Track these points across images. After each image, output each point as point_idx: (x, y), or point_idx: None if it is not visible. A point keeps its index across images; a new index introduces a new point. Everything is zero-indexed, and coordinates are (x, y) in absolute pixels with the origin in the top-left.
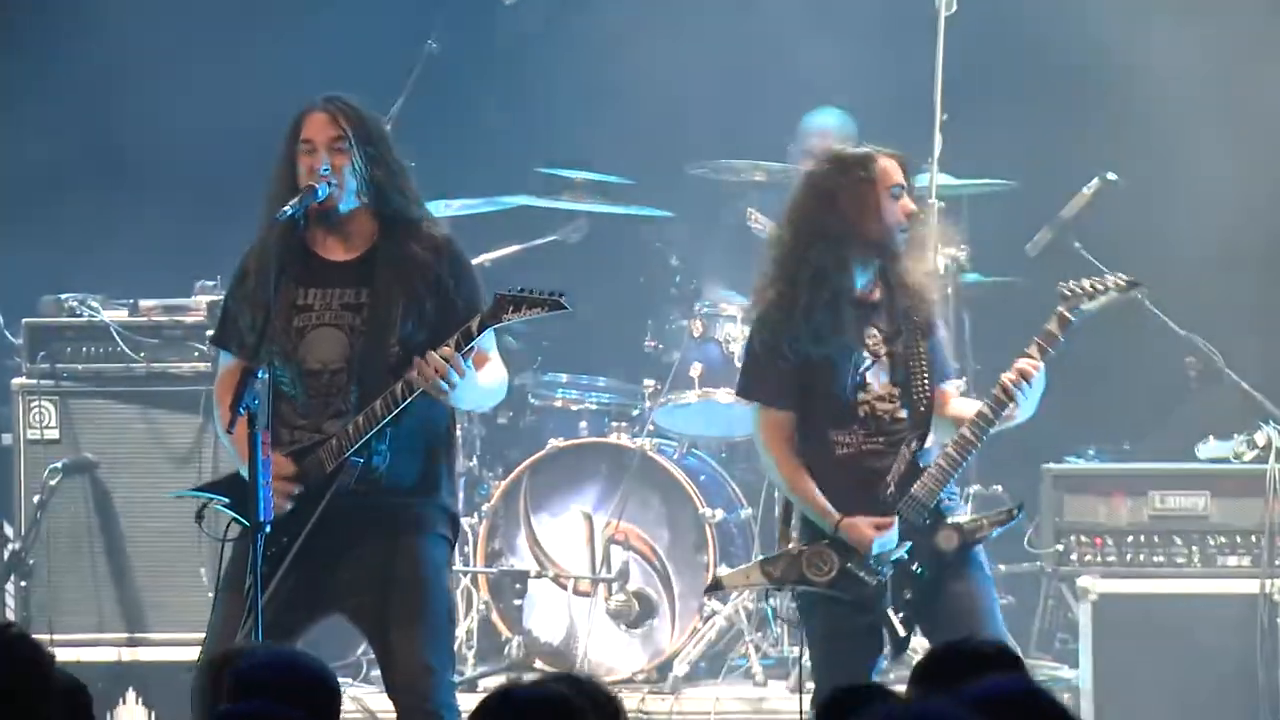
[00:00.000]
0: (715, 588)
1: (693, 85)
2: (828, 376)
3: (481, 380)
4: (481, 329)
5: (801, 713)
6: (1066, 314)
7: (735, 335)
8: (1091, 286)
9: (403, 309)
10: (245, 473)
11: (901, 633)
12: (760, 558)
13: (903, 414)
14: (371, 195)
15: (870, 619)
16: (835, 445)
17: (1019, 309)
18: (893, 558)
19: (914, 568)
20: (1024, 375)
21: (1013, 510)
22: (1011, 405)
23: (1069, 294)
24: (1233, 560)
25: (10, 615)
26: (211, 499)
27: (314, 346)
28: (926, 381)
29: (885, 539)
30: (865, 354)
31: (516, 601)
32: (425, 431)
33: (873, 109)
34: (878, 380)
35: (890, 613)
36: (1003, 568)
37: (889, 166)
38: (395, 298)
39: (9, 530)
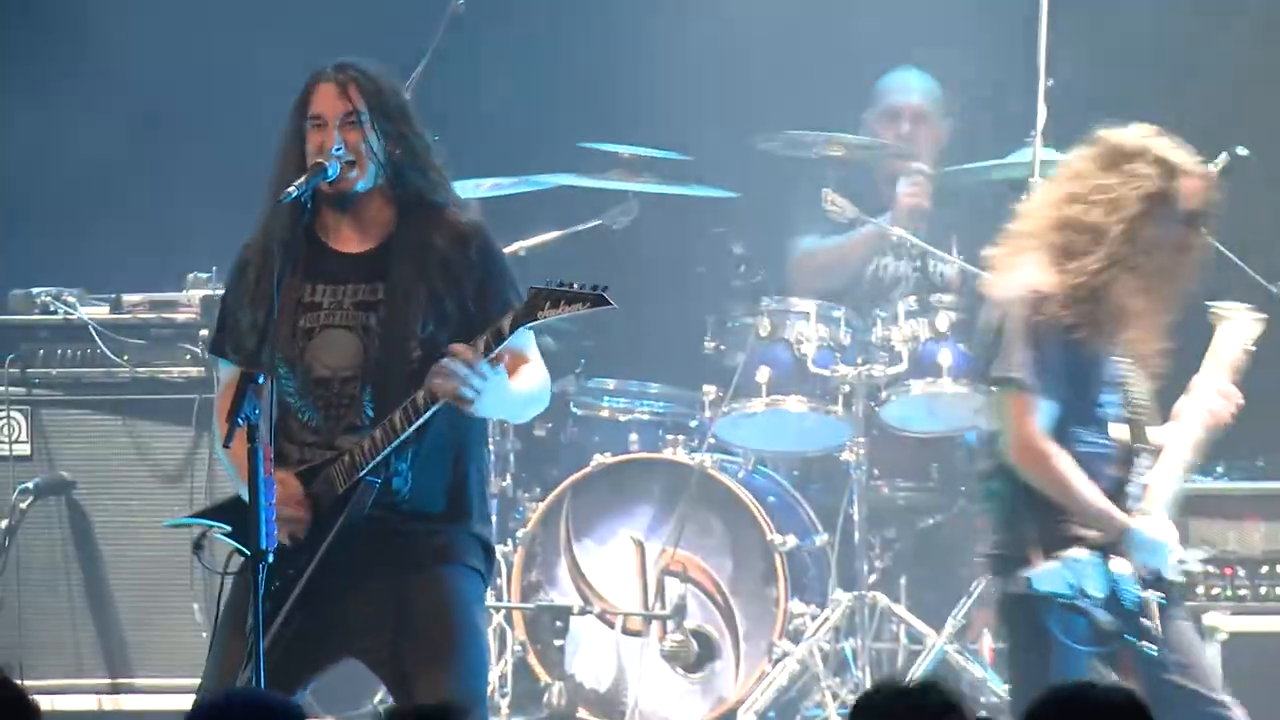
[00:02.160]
0: (1029, 586)
1: (758, 46)
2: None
3: (518, 386)
4: (514, 328)
5: None
6: None
7: (807, 335)
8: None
9: (424, 307)
10: (244, 494)
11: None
12: None
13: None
14: (389, 176)
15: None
16: (1081, 445)
17: None
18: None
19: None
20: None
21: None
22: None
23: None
24: None
25: None
26: (211, 527)
27: (322, 350)
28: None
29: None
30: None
31: (557, 642)
32: (452, 447)
33: (963, 72)
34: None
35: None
36: None
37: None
38: (416, 294)
39: None
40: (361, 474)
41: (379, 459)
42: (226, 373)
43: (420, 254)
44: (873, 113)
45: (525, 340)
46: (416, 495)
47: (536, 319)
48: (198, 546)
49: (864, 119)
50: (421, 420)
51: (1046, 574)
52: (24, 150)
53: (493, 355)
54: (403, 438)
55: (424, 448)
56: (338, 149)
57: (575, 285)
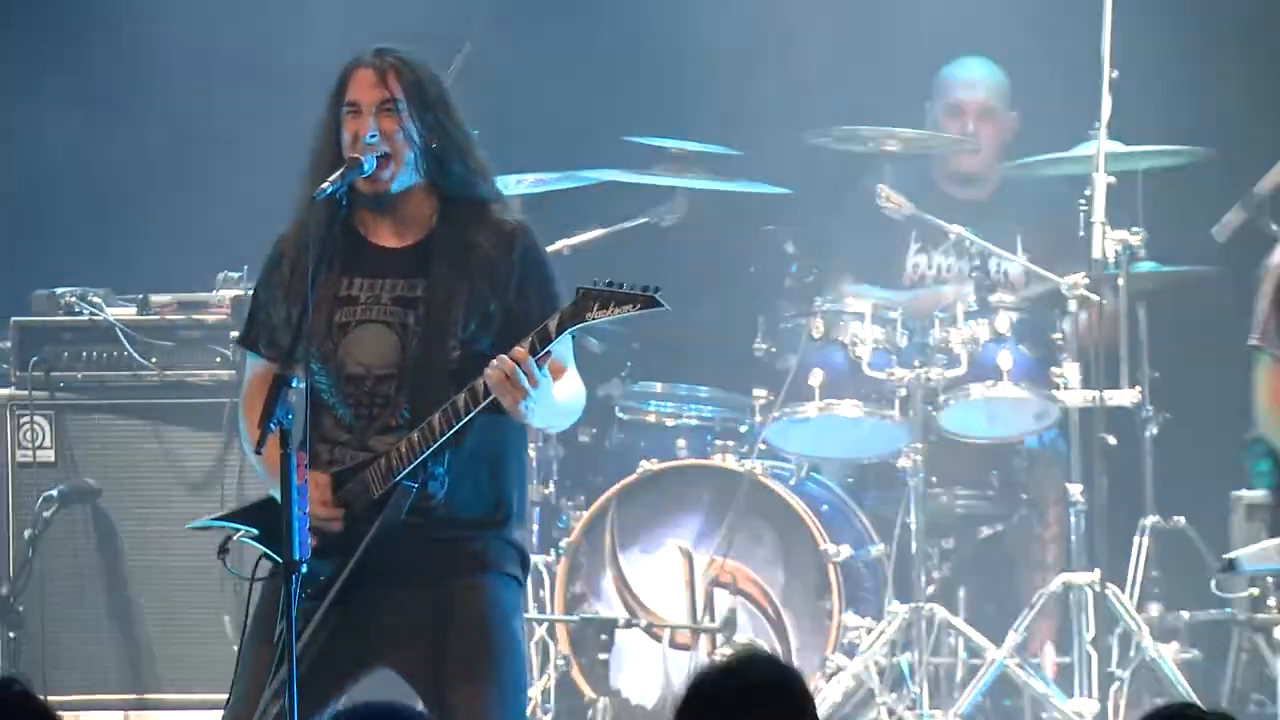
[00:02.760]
0: (1230, 568)
1: (810, 35)
2: None
3: (557, 394)
4: (561, 330)
5: None
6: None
7: (862, 336)
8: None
9: (466, 307)
10: (278, 496)
11: None
12: None
13: None
14: (429, 169)
15: None
16: None
17: (1204, 304)
18: None
19: None
20: None
21: None
22: None
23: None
24: None
25: None
26: (237, 530)
27: (357, 346)
28: None
29: None
30: None
31: (602, 656)
32: (491, 452)
33: (1025, 61)
34: None
35: None
36: (1185, 615)
37: None
38: (457, 293)
39: None
40: (398, 478)
41: (416, 462)
42: (255, 367)
43: (462, 252)
44: (936, 104)
45: (566, 347)
46: (453, 500)
47: (585, 321)
48: (223, 550)
49: (927, 109)
50: (462, 424)
51: None
52: (47, 148)
53: (541, 357)
54: (441, 441)
55: (462, 452)
56: (372, 136)
57: (624, 286)
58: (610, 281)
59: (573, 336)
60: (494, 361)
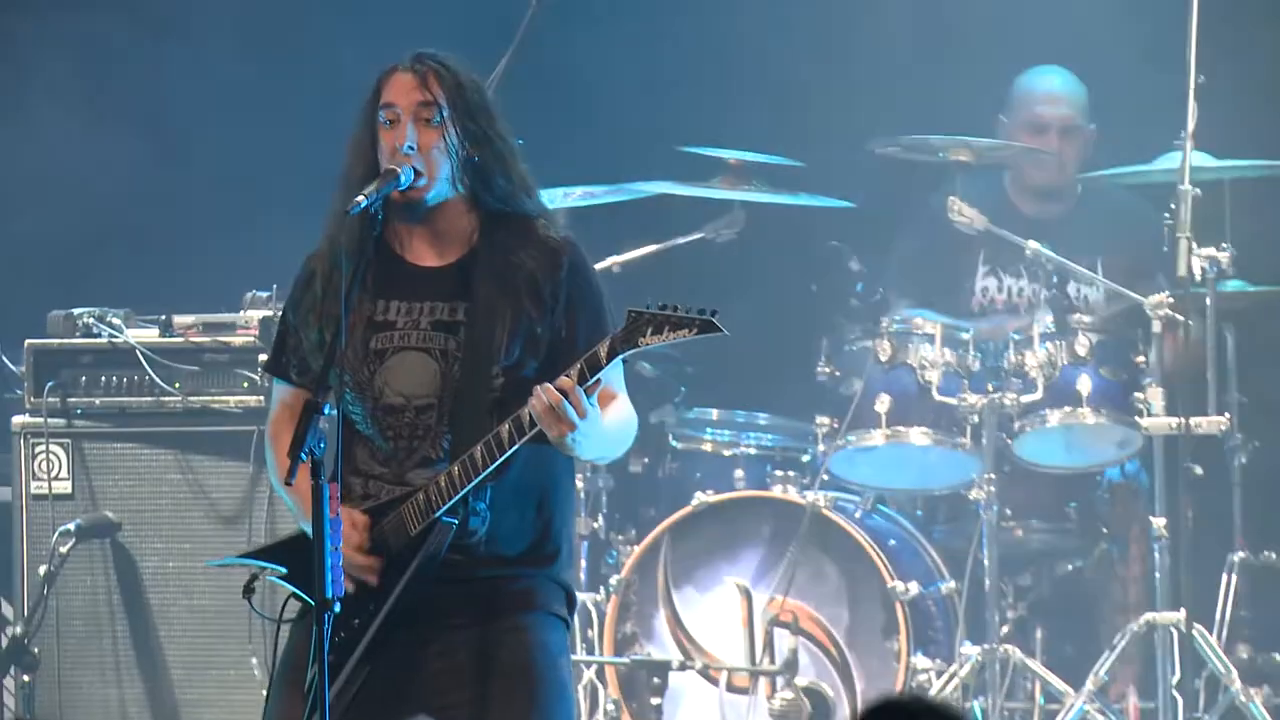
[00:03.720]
0: None
1: (875, 40)
2: None
3: (606, 424)
4: (612, 356)
5: None
6: None
7: (932, 359)
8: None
9: (510, 330)
10: (309, 531)
11: None
12: None
13: None
14: (470, 182)
15: None
16: None
17: None
18: None
19: None
20: None
21: None
22: None
23: None
24: None
25: (10, 718)
26: (264, 568)
27: (396, 374)
28: None
29: None
30: None
31: (655, 700)
32: (536, 485)
33: (1105, 69)
34: None
35: None
36: (1277, 657)
37: None
38: (501, 316)
39: (8, 610)
40: (437, 514)
41: (457, 498)
42: (283, 394)
43: (505, 271)
44: (1013, 119)
45: (617, 372)
46: (495, 536)
47: (637, 346)
48: (249, 590)
49: (1001, 121)
50: (506, 456)
51: None
52: (63, 161)
53: (590, 385)
54: (484, 475)
55: (505, 485)
56: (409, 147)
57: (679, 308)
58: (664, 303)
59: (624, 361)
60: (538, 390)
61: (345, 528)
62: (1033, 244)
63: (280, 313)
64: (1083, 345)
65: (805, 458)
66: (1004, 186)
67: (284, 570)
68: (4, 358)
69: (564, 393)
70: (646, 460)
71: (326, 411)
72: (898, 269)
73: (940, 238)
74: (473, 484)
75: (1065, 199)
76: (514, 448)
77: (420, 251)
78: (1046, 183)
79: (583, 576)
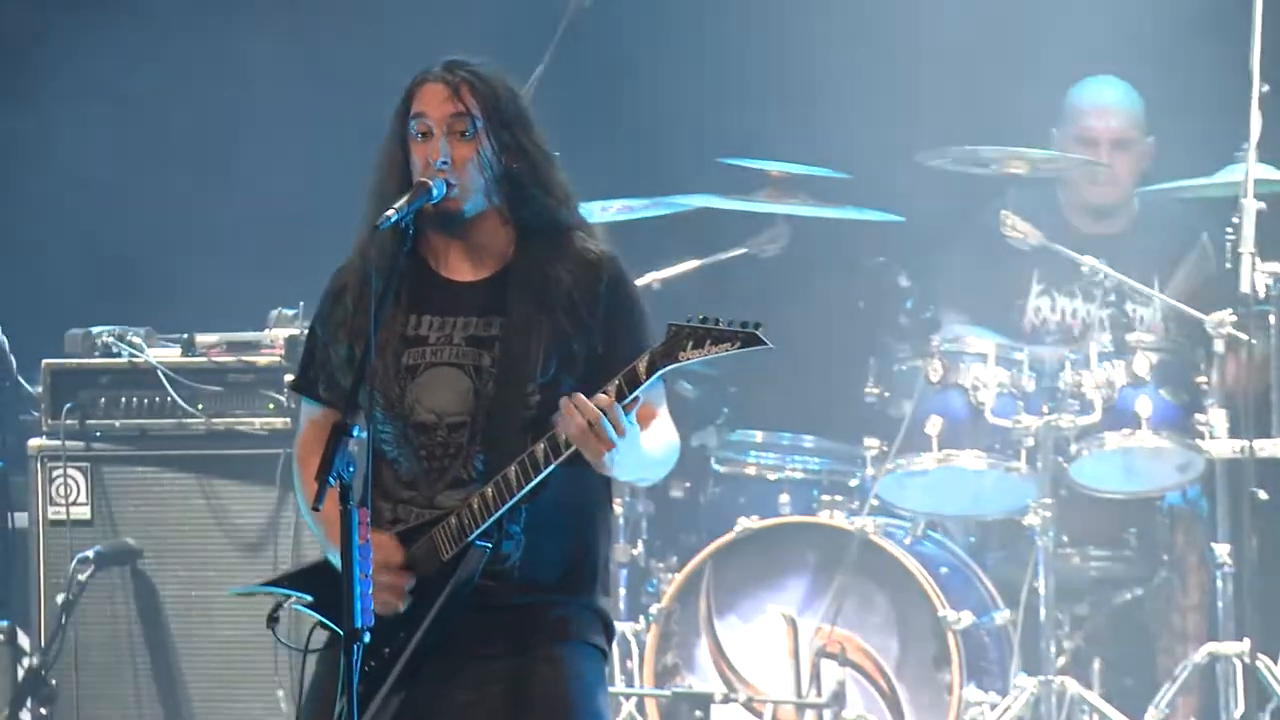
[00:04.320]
0: None
1: (925, 47)
2: None
3: (646, 444)
4: (652, 372)
5: None
6: None
7: (985, 380)
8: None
9: (546, 347)
10: (336, 561)
11: None
12: None
13: None
14: (506, 195)
15: None
16: None
17: None
18: None
19: None
20: None
21: None
22: None
23: None
24: None
25: None
26: (289, 595)
27: (427, 391)
28: None
29: None
30: None
31: None
32: (572, 508)
33: (1164, 79)
34: None
35: None
36: None
37: None
38: (537, 331)
39: (25, 640)
40: (470, 538)
41: (491, 521)
42: (311, 414)
43: (543, 285)
44: (1064, 132)
45: (657, 389)
46: (530, 561)
47: (678, 361)
48: (273, 619)
49: (1053, 134)
50: (541, 477)
51: None
52: (83, 175)
53: (627, 401)
54: (519, 497)
55: (539, 507)
56: (443, 161)
57: (721, 321)
58: (705, 317)
59: (664, 379)
60: (571, 407)
61: (373, 549)
62: (1089, 260)
63: (308, 331)
64: (1142, 365)
65: (853, 482)
66: (1058, 203)
67: (310, 598)
68: (20, 378)
69: (603, 410)
70: (688, 485)
71: (355, 433)
72: (947, 286)
73: (992, 254)
74: (507, 506)
75: (1121, 216)
76: (550, 468)
77: (454, 265)
78: (1101, 199)
79: (622, 605)
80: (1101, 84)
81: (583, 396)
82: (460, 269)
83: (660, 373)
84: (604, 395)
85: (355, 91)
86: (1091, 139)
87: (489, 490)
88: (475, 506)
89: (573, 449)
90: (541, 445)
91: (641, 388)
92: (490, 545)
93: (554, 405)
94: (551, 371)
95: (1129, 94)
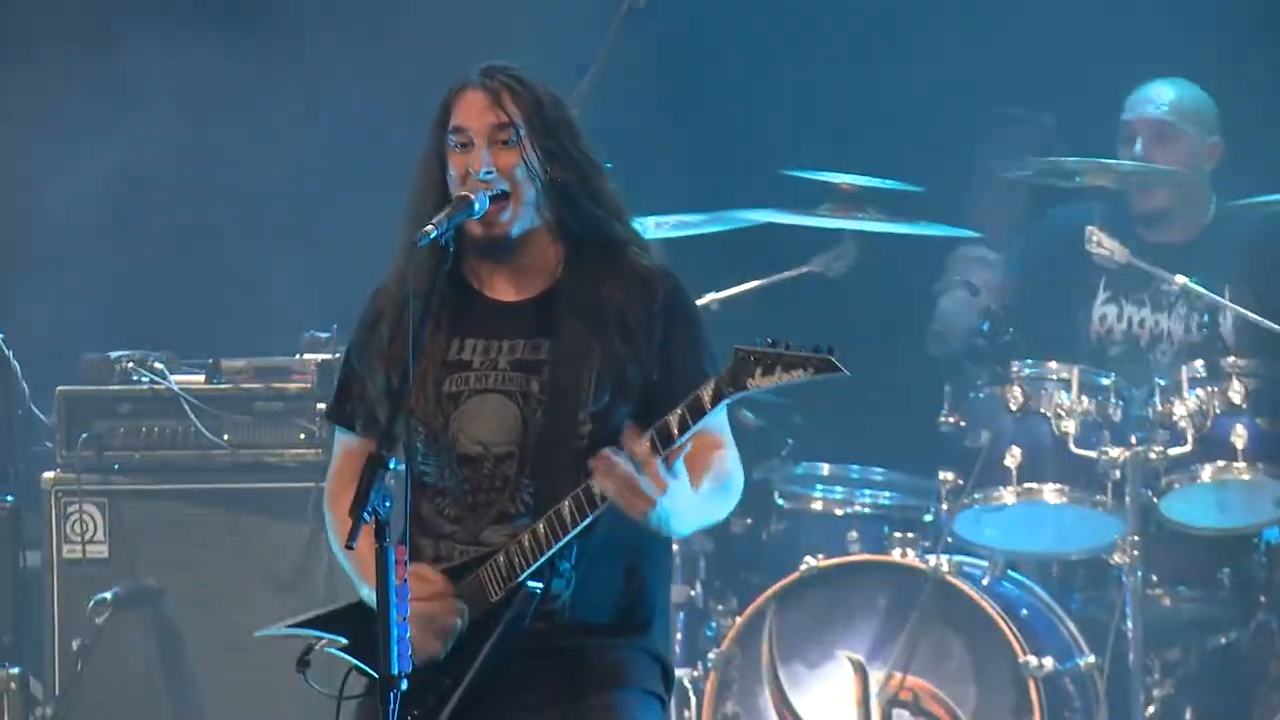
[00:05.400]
0: None
1: (1001, 51)
2: None
3: (706, 483)
4: (717, 401)
5: None
6: None
7: (1069, 408)
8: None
9: (598, 372)
10: (372, 600)
11: None
12: None
13: None
14: (553, 209)
15: None
16: None
17: None
18: None
19: None
20: None
21: None
22: None
23: None
24: None
25: None
26: (321, 638)
27: (472, 420)
28: None
29: None
30: None
31: None
32: (626, 545)
33: (1238, 83)
34: None
35: None
36: None
37: None
38: (589, 355)
39: (37, 689)
40: (521, 578)
41: (543, 560)
42: (346, 445)
43: (594, 305)
44: (1118, 137)
45: (720, 416)
46: (581, 602)
47: (745, 389)
48: (303, 663)
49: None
50: (597, 514)
51: None
52: (102, 190)
53: (676, 445)
54: (572, 535)
55: (591, 545)
56: (486, 172)
57: (792, 345)
58: (774, 340)
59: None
60: (609, 459)
61: (414, 582)
62: (1180, 279)
63: (342, 356)
64: (1237, 392)
65: (927, 518)
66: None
67: (344, 641)
68: (33, 406)
69: (638, 465)
70: (749, 521)
71: (393, 466)
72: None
73: (1059, 269)
74: (560, 544)
75: (1180, 225)
76: (606, 504)
77: (499, 285)
78: (1144, 205)
79: (678, 650)
80: (1157, 83)
81: (611, 456)
82: (504, 288)
83: (726, 401)
84: (640, 445)
85: (391, 102)
86: (1130, 130)
87: (541, 526)
88: (525, 544)
89: None
90: (597, 480)
91: (703, 421)
92: (542, 586)
93: (608, 434)
94: (605, 399)
95: (1187, 89)
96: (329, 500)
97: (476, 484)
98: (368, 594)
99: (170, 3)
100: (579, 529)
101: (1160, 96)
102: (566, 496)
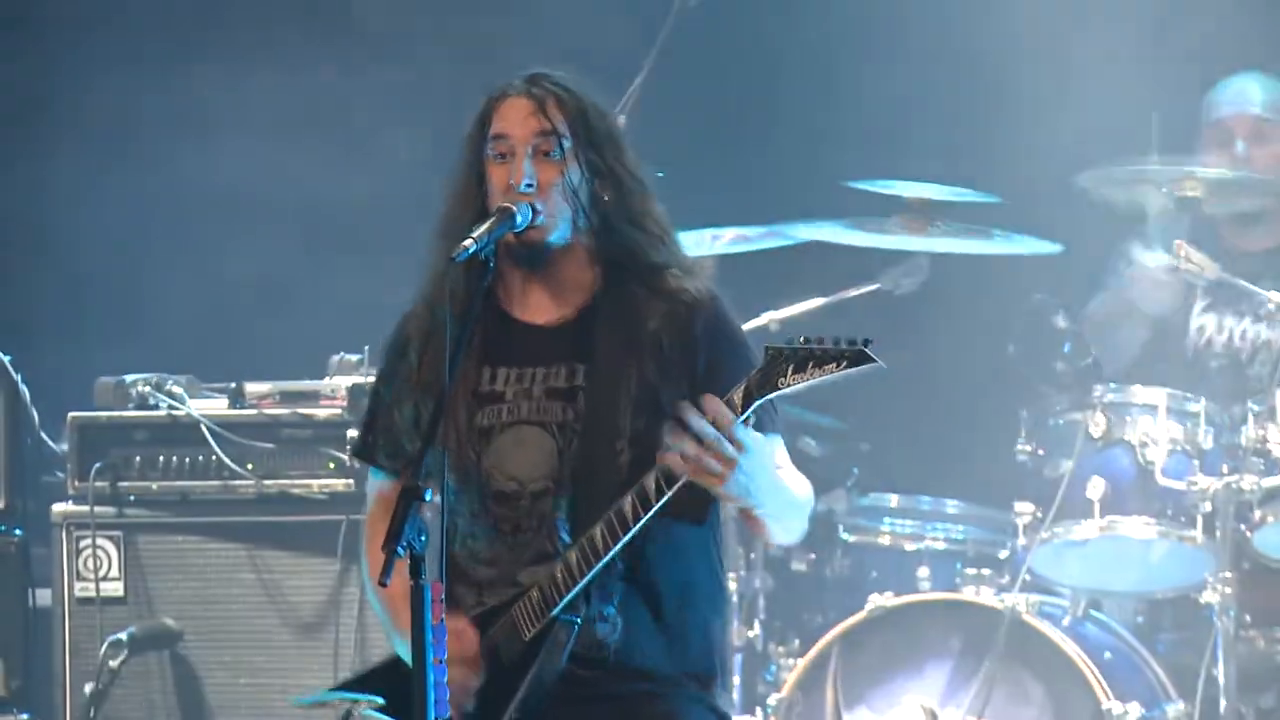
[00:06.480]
0: None
1: (1082, 52)
2: None
3: (782, 475)
4: (749, 403)
5: None
6: None
7: (1155, 435)
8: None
9: (635, 396)
10: (403, 651)
11: None
12: None
13: None
14: (593, 225)
15: None
16: None
17: None
18: None
19: None
20: None
21: None
22: None
23: None
24: None
25: None
26: (358, 700)
27: (506, 455)
28: None
29: None
30: None
31: None
32: (677, 583)
33: None
34: None
35: None
36: None
37: None
38: (625, 379)
39: None
40: (554, 612)
41: (577, 589)
42: (380, 486)
43: (630, 328)
44: (1202, 137)
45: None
46: (630, 646)
47: (778, 389)
48: None
49: (1198, 144)
50: (631, 535)
51: None
52: (115, 203)
53: (744, 417)
54: (606, 560)
55: (639, 585)
56: (527, 183)
57: (824, 341)
58: (807, 337)
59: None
60: (686, 415)
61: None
62: (1276, 297)
63: (371, 384)
64: None
65: (1003, 554)
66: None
67: (381, 701)
68: (43, 434)
69: (718, 425)
70: (812, 556)
71: (428, 498)
72: (1089, 328)
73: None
74: (594, 572)
75: (1274, 226)
76: (639, 523)
77: (532, 307)
78: (1244, 206)
79: (736, 695)
80: (1242, 78)
81: (686, 411)
82: (537, 311)
83: (758, 403)
84: (716, 403)
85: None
86: (1226, 129)
87: (573, 555)
88: (558, 576)
89: (664, 499)
90: (629, 498)
91: (740, 418)
92: (579, 619)
93: (647, 463)
94: (641, 425)
95: (1269, 82)
96: (366, 544)
97: (515, 524)
98: (400, 644)
99: (172, 23)
100: (613, 553)
101: (1251, 92)
102: (599, 521)
